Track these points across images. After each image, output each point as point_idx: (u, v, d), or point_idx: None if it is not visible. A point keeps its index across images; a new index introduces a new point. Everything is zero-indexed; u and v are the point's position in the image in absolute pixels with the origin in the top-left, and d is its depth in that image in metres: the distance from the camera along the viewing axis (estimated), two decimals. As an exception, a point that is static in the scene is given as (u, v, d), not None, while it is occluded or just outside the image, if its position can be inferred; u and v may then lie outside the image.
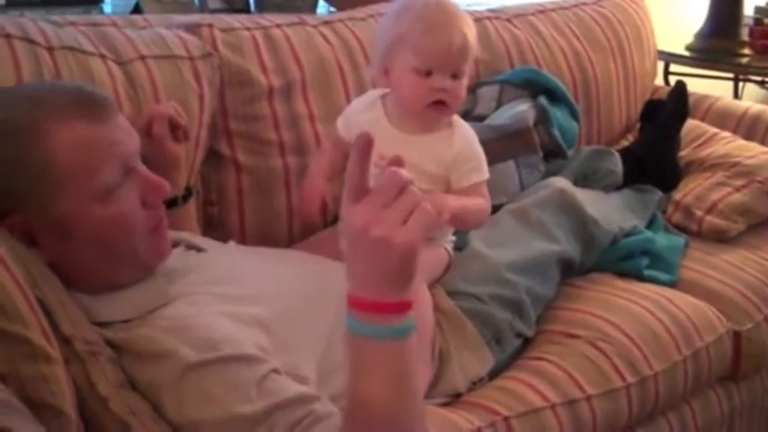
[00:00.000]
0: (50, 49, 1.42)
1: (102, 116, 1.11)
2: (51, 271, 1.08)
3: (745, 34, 2.97)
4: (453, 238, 1.51)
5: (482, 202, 1.42)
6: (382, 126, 1.41)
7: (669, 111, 2.11)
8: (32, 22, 1.47)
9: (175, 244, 1.28)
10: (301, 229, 1.68)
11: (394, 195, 0.84)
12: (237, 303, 1.14)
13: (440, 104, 1.37)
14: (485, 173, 1.42)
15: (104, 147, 1.10)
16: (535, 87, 1.99)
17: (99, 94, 1.16)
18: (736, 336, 1.69)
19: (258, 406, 1.00)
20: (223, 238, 1.58)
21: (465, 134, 1.43)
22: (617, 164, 1.94)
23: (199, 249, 1.29)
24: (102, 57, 1.48)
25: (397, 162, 0.87)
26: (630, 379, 1.47)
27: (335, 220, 1.55)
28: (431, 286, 1.42)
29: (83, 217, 1.08)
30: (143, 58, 1.53)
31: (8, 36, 1.39)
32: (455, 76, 1.36)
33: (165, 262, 1.21)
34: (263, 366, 1.04)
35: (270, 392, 1.01)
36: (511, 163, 1.81)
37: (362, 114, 1.45)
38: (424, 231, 0.84)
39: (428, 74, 1.35)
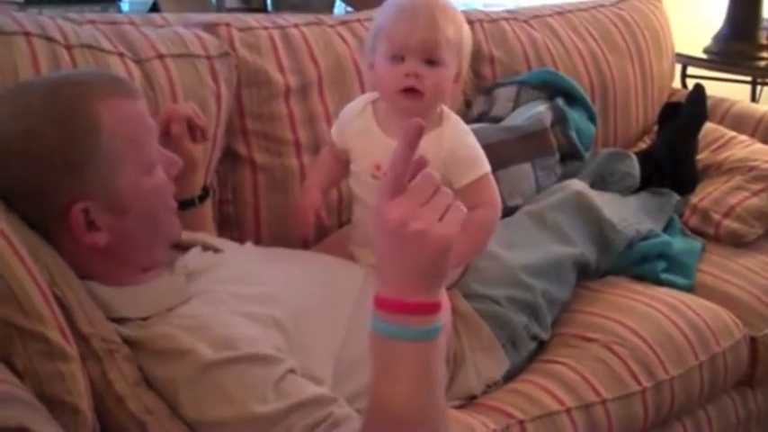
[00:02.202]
0: (69, 47, 1.43)
1: (136, 94, 1.17)
2: (71, 267, 1.08)
3: (763, 37, 2.94)
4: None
5: (486, 215, 1.37)
6: (374, 135, 1.38)
7: (687, 114, 2.10)
8: (51, 19, 1.48)
9: (192, 245, 1.29)
10: (315, 229, 1.68)
11: (430, 194, 0.85)
12: (255, 303, 1.14)
13: (412, 92, 1.31)
14: (483, 166, 1.37)
15: (146, 121, 1.16)
16: (552, 89, 1.99)
17: (123, 76, 1.25)
18: (753, 341, 1.68)
19: (275, 406, 1.00)
20: (238, 236, 1.58)
21: (454, 131, 1.37)
22: (634, 167, 1.94)
23: (216, 250, 1.29)
24: (121, 55, 1.48)
25: (423, 163, 0.87)
26: (646, 383, 1.46)
27: (350, 220, 1.55)
28: (448, 288, 1.41)
29: (136, 190, 1.12)
30: (161, 56, 1.53)
31: (27, 34, 1.39)
32: (431, 62, 1.31)
33: (184, 260, 1.22)
34: (281, 366, 1.04)
35: (287, 393, 1.01)
36: (527, 165, 1.81)
37: (354, 122, 1.42)
38: (458, 228, 0.85)
39: (402, 59, 1.31)
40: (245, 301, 1.14)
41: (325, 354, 1.16)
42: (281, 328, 1.12)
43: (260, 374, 1.03)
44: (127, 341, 1.08)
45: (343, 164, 1.46)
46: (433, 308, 0.87)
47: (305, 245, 1.55)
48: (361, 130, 1.40)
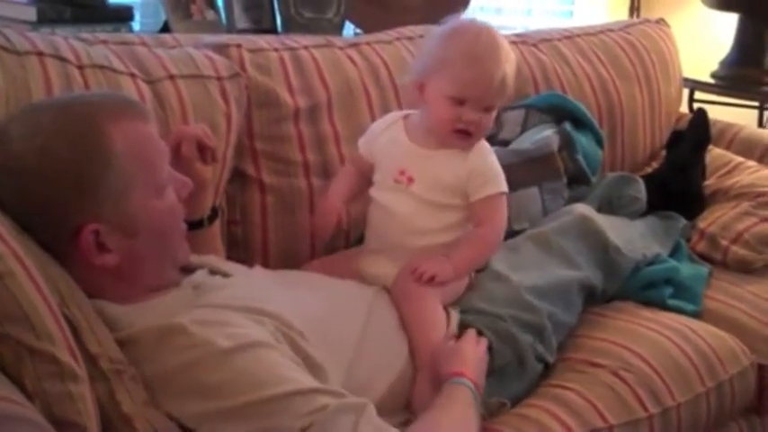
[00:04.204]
0: (81, 67, 1.44)
1: (148, 117, 1.18)
2: (80, 287, 1.09)
3: (770, 63, 2.96)
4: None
5: (488, 234, 1.43)
6: (401, 142, 1.44)
7: (690, 138, 2.10)
8: (63, 39, 1.49)
9: (200, 267, 1.29)
10: (324, 249, 1.68)
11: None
12: (265, 317, 1.15)
13: (464, 133, 1.39)
14: (500, 185, 1.42)
15: (157, 144, 1.17)
16: (560, 113, 1.99)
17: (135, 99, 1.30)
18: (761, 368, 1.67)
19: (302, 385, 1.05)
20: (246, 257, 1.59)
21: (480, 149, 1.43)
22: (641, 191, 1.93)
23: (224, 274, 1.29)
24: (132, 75, 1.49)
25: None
26: (653, 410, 1.46)
27: (360, 240, 1.56)
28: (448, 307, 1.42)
29: (147, 212, 1.13)
30: (172, 77, 1.54)
31: (40, 54, 1.40)
32: (486, 109, 1.38)
33: (190, 278, 1.23)
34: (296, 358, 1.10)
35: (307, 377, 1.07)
36: (534, 189, 1.81)
37: (383, 135, 1.48)
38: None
39: (461, 103, 1.37)
40: (256, 313, 1.15)
41: (332, 375, 1.16)
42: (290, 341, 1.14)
43: (276, 358, 1.07)
44: (125, 341, 1.09)
45: (365, 177, 1.50)
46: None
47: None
48: (388, 140, 1.46)
